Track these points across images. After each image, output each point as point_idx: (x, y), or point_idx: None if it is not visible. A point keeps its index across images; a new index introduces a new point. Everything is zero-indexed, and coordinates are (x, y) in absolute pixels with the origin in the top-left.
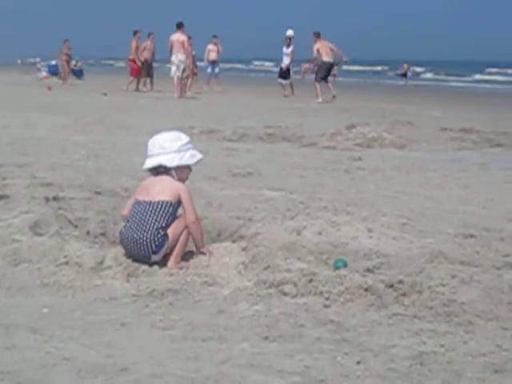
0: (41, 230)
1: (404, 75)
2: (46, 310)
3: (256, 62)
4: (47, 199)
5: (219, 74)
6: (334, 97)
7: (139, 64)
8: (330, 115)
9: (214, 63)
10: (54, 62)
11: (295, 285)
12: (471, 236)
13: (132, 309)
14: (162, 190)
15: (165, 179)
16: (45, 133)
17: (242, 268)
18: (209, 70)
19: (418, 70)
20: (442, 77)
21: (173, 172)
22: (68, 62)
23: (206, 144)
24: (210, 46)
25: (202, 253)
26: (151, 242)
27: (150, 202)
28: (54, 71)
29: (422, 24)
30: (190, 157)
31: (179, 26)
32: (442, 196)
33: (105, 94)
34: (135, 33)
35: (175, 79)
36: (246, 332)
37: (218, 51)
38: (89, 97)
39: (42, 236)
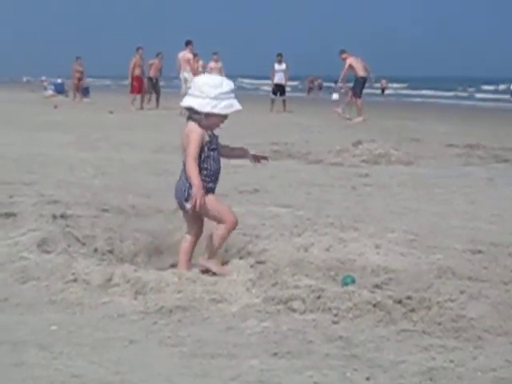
0: (48, 248)
1: (382, 91)
2: (54, 327)
3: (240, 79)
4: (54, 217)
5: None
6: (348, 118)
7: (137, 81)
8: (334, 131)
9: None
10: (59, 80)
11: (303, 301)
12: (479, 251)
13: (140, 326)
14: (183, 138)
15: (187, 126)
16: (51, 150)
17: (250, 285)
18: None
19: (396, 85)
20: (418, 92)
21: (202, 116)
22: (80, 79)
23: None
24: (212, 64)
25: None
26: (185, 189)
27: (184, 153)
28: (59, 89)
29: (398, 41)
30: (224, 106)
31: (187, 43)
32: (450, 212)
33: (111, 112)
34: (137, 49)
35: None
36: (254, 348)
37: (219, 69)
38: (95, 115)
39: (49, 253)
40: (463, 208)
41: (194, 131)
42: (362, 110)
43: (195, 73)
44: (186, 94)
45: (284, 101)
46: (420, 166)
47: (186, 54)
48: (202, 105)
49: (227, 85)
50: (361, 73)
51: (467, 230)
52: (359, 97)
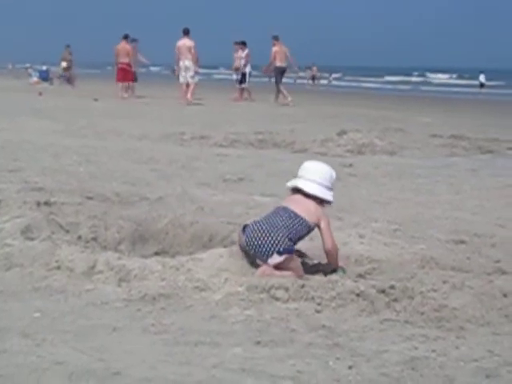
0: (32, 235)
1: (312, 79)
2: (37, 315)
3: (221, 69)
4: (39, 204)
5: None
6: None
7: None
8: (319, 121)
9: (237, 70)
10: (44, 68)
11: (287, 290)
12: (462, 242)
13: (124, 313)
14: (308, 210)
15: (310, 203)
16: (36, 138)
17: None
18: (234, 76)
19: (335, 75)
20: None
21: (318, 201)
22: (69, 67)
23: (197, 150)
24: (239, 53)
25: None
26: (280, 242)
27: (296, 214)
28: (44, 76)
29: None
30: (332, 195)
31: (186, 32)
32: (433, 202)
33: (96, 100)
34: (133, 40)
35: (184, 85)
36: (237, 337)
37: (240, 58)
38: (80, 102)
39: (33, 240)
40: (447, 198)
41: (325, 219)
42: (284, 93)
43: (196, 61)
44: (185, 82)
45: (242, 89)
46: (404, 156)
47: (187, 42)
48: (326, 194)
49: (334, 174)
50: (277, 63)
51: (451, 220)
52: (277, 83)
